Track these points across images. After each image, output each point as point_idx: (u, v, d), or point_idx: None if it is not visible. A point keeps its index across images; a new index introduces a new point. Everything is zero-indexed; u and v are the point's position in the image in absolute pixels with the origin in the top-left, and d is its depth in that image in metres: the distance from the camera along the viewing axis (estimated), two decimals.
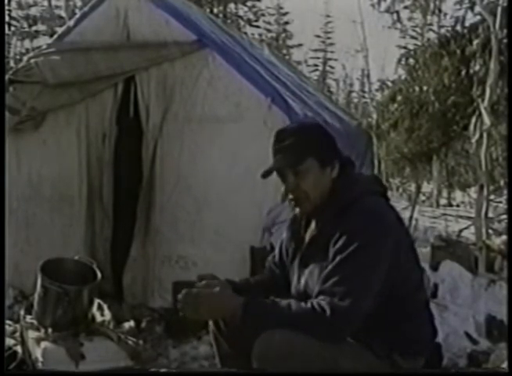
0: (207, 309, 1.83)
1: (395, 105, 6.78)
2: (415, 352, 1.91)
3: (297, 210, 1.96)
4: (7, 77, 3.94)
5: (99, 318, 2.80)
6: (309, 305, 1.76)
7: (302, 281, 1.94)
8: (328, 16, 30.81)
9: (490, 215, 6.32)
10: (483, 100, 5.19)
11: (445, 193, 15.14)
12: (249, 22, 23.58)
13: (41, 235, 4.07)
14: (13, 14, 22.10)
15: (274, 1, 27.17)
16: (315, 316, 1.73)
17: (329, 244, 1.82)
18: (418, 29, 19.81)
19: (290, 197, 1.93)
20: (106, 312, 2.86)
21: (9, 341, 2.80)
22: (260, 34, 24.33)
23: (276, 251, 2.19)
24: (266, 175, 1.96)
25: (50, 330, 2.65)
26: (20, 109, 3.91)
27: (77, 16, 4.32)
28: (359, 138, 5.60)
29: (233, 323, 1.84)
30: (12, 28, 21.98)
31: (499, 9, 5.19)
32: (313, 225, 1.96)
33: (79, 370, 2.51)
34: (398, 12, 8.75)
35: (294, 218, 2.08)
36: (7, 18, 20.50)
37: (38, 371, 2.52)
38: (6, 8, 19.41)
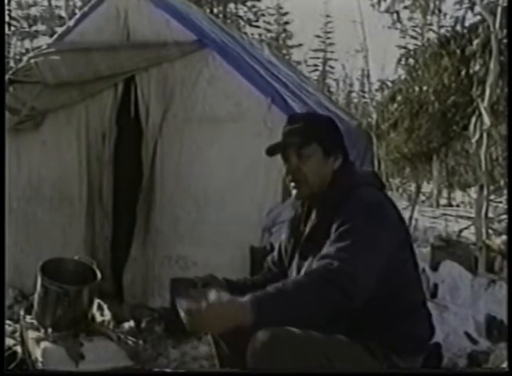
0: (215, 321, 1.62)
1: (395, 105, 6.76)
2: (412, 350, 1.90)
3: (294, 192, 1.97)
4: (7, 77, 3.94)
5: (99, 318, 2.80)
6: (315, 275, 1.68)
7: (302, 273, 1.92)
8: (328, 16, 30.81)
9: (490, 215, 6.30)
10: (483, 100, 5.17)
11: (445, 193, 15.16)
12: (249, 22, 23.64)
13: (41, 235, 4.08)
14: (13, 14, 22.17)
15: (274, 1, 27.26)
16: (325, 287, 1.64)
17: (328, 232, 1.81)
18: (418, 29, 19.83)
19: (290, 178, 1.95)
20: (106, 312, 2.85)
21: (8, 341, 2.80)
22: (260, 34, 24.35)
23: (276, 250, 2.19)
24: (270, 151, 1.99)
25: (50, 330, 2.64)
26: (20, 109, 3.92)
27: (77, 16, 4.33)
28: (359, 138, 5.61)
29: (245, 327, 1.65)
30: (12, 28, 22.03)
31: (499, 9, 5.18)
32: (313, 216, 1.97)
33: (79, 370, 2.51)
34: (398, 12, 8.70)
35: (294, 217, 2.10)
36: (7, 18, 20.51)
37: (38, 371, 2.52)
38: (6, 8, 19.42)
